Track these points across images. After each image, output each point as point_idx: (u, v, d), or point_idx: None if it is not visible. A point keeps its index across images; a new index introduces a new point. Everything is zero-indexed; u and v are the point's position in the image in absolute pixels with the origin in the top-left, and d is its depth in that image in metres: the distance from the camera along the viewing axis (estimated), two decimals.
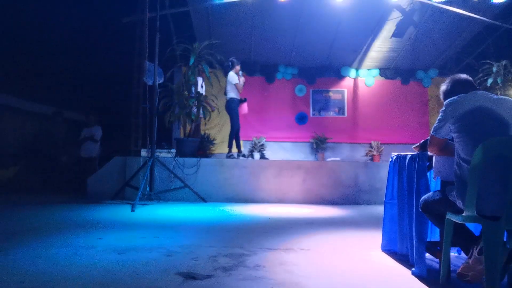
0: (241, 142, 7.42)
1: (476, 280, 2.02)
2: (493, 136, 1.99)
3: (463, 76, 2.42)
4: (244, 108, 7.34)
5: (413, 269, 2.48)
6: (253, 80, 9.43)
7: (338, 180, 6.51)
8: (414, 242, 2.51)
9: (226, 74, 7.25)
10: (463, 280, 2.05)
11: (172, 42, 8.23)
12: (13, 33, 8.89)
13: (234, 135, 7.17)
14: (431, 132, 2.32)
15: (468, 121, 2.11)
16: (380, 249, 3.09)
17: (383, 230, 3.07)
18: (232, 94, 7.09)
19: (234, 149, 7.36)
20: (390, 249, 3.01)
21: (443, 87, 2.47)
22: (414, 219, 2.54)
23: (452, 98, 2.23)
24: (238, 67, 7.15)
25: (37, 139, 9.31)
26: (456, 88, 2.36)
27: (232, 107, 7.10)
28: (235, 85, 7.01)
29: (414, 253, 2.49)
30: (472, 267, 2.01)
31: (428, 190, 2.51)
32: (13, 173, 8.29)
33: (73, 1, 9.54)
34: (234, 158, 6.99)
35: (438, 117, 2.27)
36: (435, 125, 2.28)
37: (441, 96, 2.47)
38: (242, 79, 7.19)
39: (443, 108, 2.24)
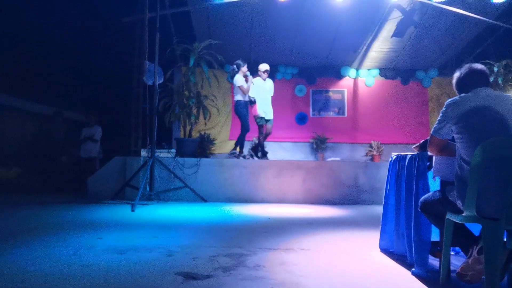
0: (244, 143, 7.40)
1: (475, 280, 2.02)
2: (493, 136, 1.99)
3: (480, 66, 2.32)
4: (255, 109, 7.28)
5: (413, 269, 2.48)
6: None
7: (338, 180, 6.51)
8: (414, 242, 2.50)
9: (232, 79, 7.26)
10: (462, 280, 2.05)
11: (172, 42, 8.23)
12: (13, 33, 8.88)
13: (243, 136, 7.14)
14: (431, 133, 2.31)
15: (469, 122, 2.10)
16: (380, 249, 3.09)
17: (381, 230, 3.06)
18: (238, 96, 7.07)
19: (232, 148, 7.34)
20: (387, 249, 3.00)
21: (457, 73, 2.38)
22: (414, 219, 2.54)
23: (453, 98, 2.22)
24: (244, 68, 7.10)
25: (37, 139, 9.31)
26: (469, 78, 2.29)
27: (238, 109, 7.08)
28: (239, 87, 7.00)
29: (414, 253, 2.49)
30: (472, 267, 2.01)
31: (427, 191, 2.51)
32: (15, 175, 8.28)
33: (73, 1, 9.55)
34: (243, 157, 7.01)
35: (438, 118, 2.26)
36: (435, 125, 2.27)
37: (454, 82, 2.39)
38: (251, 78, 7.11)
39: (444, 109, 2.23)
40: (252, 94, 7.13)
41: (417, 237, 2.49)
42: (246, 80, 7.08)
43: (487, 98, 2.12)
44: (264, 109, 7.16)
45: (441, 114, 2.24)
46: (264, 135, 7.33)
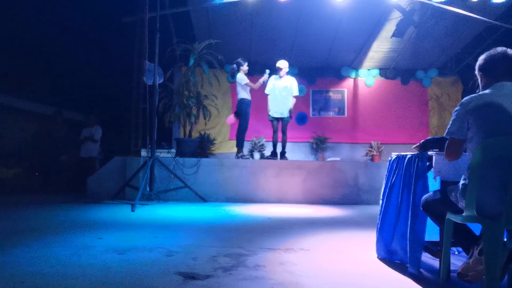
0: (244, 143, 7.41)
1: (476, 280, 2.02)
2: (500, 134, 1.95)
3: (511, 53, 2.10)
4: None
5: (409, 269, 2.47)
6: (253, 80, 9.42)
7: (338, 180, 6.51)
8: (409, 241, 2.50)
9: (233, 78, 7.27)
10: (463, 280, 2.05)
11: (172, 42, 8.23)
12: (13, 33, 8.88)
13: (241, 134, 7.16)
14: (447, 136, 2.14)
15: (479, 119, 2.02)
16: None
17: (377, 230, 3.04)
18: (242, 94, 7.07)
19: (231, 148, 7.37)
20: (384, 249, 2.96)
21: (486, 55, 2.17)
22: (410, 219, 2.52)
23: (471, 96, 2.10)
24: (245, 67, 7.09)
25: (37, 139, 9.30)
26: (501, 63, 2.09)
27: (242, 107, 7.09)
28: (246, 84, 7.01)
29: (408, 253, 2.48)
30: (473, 267, 2.01)
31: (426, 191, 2.50)
32: (15, 175, 8.27)
33: (73, 1, 9.55)
34: (247, 158, 7.02)
35: (452, 118, 2.12)
36: (450, 128, 2.11)
37: (480, 63, 2.19)
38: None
39: (459, 107, 2.09)
40: (267, 91, 7.19)
41: (412, 236, 2.48)
42: (255, 80, 7.11)
43: (499, 95, 2.01)
44: (276, 107, 7.13)
45: (455, 113, 2.10)
46: (276, 134, 7.31)
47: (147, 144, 6.22)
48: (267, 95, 7.24)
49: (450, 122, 2.13)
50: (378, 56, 9.50)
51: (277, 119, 7.20)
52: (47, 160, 8.46)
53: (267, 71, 7.17)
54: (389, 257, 2.80)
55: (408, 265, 2.50)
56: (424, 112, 9.98)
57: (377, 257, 2.87)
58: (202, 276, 2.31)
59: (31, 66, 9.50)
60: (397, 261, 2.74)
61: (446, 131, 2.15)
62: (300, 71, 9.85)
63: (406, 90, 10.01)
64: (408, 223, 2.53)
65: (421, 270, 2.47)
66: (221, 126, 9.42)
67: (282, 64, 7.14)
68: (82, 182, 6.84)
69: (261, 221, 4.51)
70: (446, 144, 2.19)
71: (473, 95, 2.12)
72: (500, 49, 2.14)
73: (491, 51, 2.16)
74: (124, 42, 8.09)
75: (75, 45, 9.95)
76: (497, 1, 7.36)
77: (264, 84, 7.27)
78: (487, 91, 2.10)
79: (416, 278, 2.39)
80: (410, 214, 2.53)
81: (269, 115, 7.24)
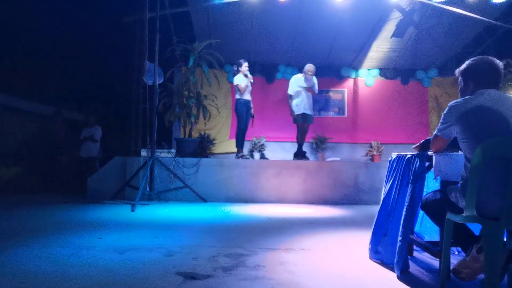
0: (244, 143, 7.41)
1: (470, 278, 2.01)
2: (495, 135, 1.98)
3: (497, 63, 2.18)
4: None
5: (396, 270, 2.47)
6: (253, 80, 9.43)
7: (338, 180, 6.51)
8: (399, 240, 2.49)
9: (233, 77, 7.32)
10: (457, 276, 2.05)
11: (172, 42, 8.23)
12: (13, 33, 8.89)
13: (239, 135, 7.19)
14: (435, 132, 2.31)
15: (470, 121, 2.08)
16: None
17: (373, 230, 3.02)
18: (237, 95, 7.13)
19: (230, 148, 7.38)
20: (377, 251, 2.94)
21: (473, 61, 2.22)
22: (403, 218, 2.52)
23: (457, 100, 2.19)
24: (244, 68, 7.10)
25: (37, 139, 9.31)
26: (484, 69, 2.16)
27: (237, 108, 7.13)
28: (237, 86, 7.03)
29: (397, 252, 2.48)
30: (469, 265, 2.01)
31: (423, 191, 2.51)
32: (15, 174, 8.28)
33: (73, 1, 9.56)
34: (247, 158, 7.02)
35: (441, 120, 2.24)
36: (440, 126, 2.26)
37: (465, 67, 2.26)
38: (250, 77, 7.13)
39: (446, 111, 2.20)
40: (292, 92, 7.24)
41: (402, 236, 2.48)
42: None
43: (488, 100, 2.09)
44: (303, 103, 7.23)
45: (443, 116, 2.22)
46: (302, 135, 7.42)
47: (147, 144, 6.22)
48: (290, 96, 7.27)
49: (440, 121, 2.28)
50: (378, 56, 9.50)
51: (303, 117, 7.24)
52: (47, 160, 8.47)
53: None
54: (375, 257, 2.79)
55: (392, 265, 2.51)
56: (424, 112, 9.98)
57: (369, 258, 2.86)
58: (202, 276, 2.31)
59: (31, 66, 9.51)
60: (379, 261, 2.73)
61: (437, 127, 2.32)
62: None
63: (406, 90, 10.01)
64: (401, 222, 2.52)
65: (419, 269, 2.47)
66: (221, 126, 9.42)
67: (313, 68, 7.26)
68: (82, 182, 6.84)
69: (261, 221, 4.51)
70: (433, 136, 2.37)
71: (458, 99, 2.21)
72: (487, 58, 2.22)
73: (478, 58, 2.24)
74: (124, 42, 8.09)
75: (75, 45, 9.96)
76: (497, 1, 7.36)
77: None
78: (473, 96, 2.17)
79: (406, 278, 2.39)
80: (404, 214, 2.52)
81: (296, 115, 7.22)
